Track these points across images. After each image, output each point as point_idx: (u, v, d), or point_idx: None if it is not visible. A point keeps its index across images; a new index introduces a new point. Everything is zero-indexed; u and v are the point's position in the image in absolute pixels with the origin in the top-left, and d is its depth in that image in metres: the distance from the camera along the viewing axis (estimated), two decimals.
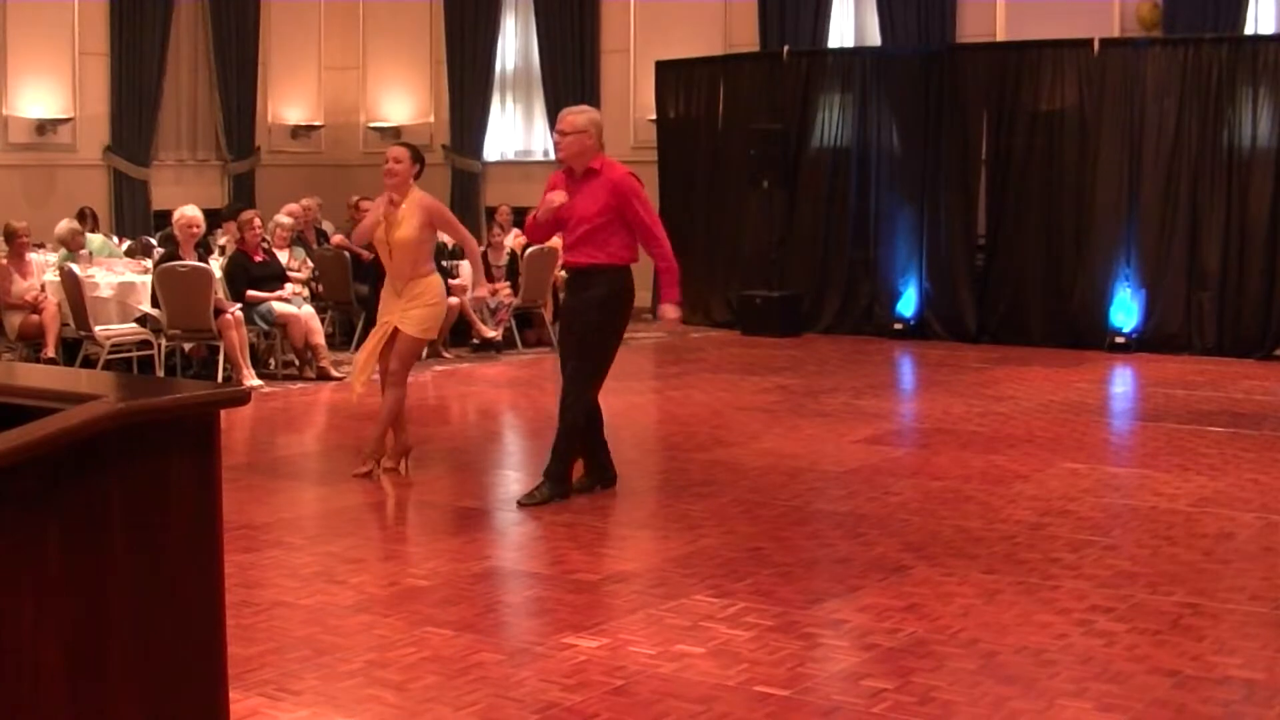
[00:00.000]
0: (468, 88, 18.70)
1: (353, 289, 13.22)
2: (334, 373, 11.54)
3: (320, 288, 13.39)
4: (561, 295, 13.97)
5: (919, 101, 14.41)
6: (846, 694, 4.52)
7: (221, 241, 13.46)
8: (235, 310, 11.13)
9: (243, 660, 4.66)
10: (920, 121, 14.41)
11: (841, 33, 16.13)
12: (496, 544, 6.68)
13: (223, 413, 2.89)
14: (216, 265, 11.69)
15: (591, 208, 7.06)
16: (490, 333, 13.20)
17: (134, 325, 11.30)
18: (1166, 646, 4.95)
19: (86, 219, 14.05)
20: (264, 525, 6.72)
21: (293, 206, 14.07)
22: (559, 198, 7.11)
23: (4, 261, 11.48)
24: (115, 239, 14.48)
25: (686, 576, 5.86)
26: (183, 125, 17.97)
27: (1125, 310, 13.33)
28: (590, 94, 17.60)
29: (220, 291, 11.26)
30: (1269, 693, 4.54)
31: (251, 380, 10.96)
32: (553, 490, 7.19)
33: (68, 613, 2.60)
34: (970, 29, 15.07)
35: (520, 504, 7.13)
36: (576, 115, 7.20)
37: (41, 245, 13.18)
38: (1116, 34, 14.10)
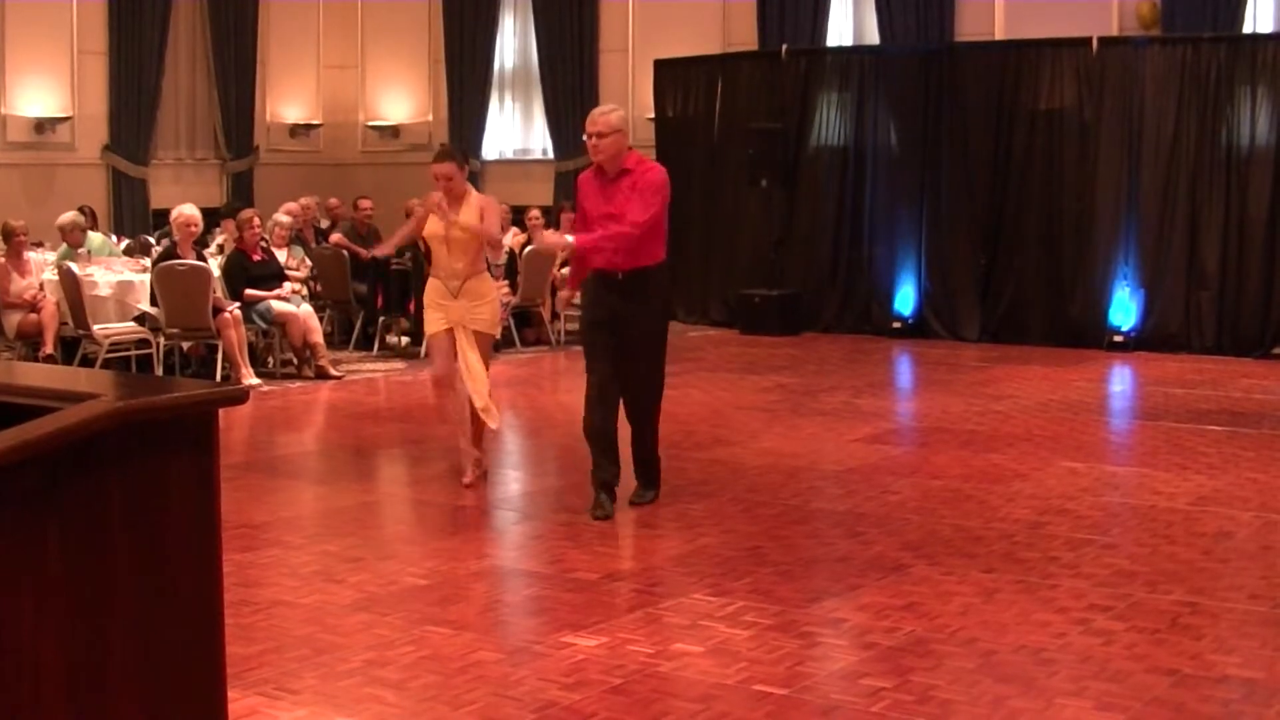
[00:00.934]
0: (466, 87, 18.70)
1: (351, 288, 13.23)
2: (332, 371, 11.54)
3: (319, 287, 13.39)
4: (560, 292, 14.03)
5: (918, 100, 14.41)
6: (845, 693, 4.52)
7: (219, 240, 13.46)
8: (234, 309, 11.13)
9: (242, 659, 4.66)
10: (919, 121, 14.41)
11: (840, 32, 16.13)
12: (495, 543, 6.68)
13: (221, 412, 2.88)
14: (215, 264, 11.68)
15: (627, 208, 6.86)
16: None
17: (132, 324, 11.30)
18: (1165, 645, 4.96)
19: (85, 217, 14.04)
20: (263, 524, 6.72)
21: (291, 205, 14.07)
22: (556, 240, 7.64)
23: (2, 260, 11.48)
24: (114, 238, 14.48)
25: (685, 575, 5.87)
26: (181, 124, 17.98)
27: (1124, 309, 13.33)
28: (589, 93, 17.62)
29: (219, 290, 11.25)
30: (1268, 691, 4.54)
31: (250, 379, 10.96)
32: (657, 491, 7.22)
33: (67, 612, 2.60)
34: (969, 28, 15.07)
35: (632, 503, 7.12)
36: (610, 114, 6.98)
37: (40, 244, 13.18)
38: (1115, 33, 14.11)
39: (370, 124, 19.60)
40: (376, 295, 13.11)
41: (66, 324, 11.29)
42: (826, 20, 16.00)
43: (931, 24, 15.20)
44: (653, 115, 16.48)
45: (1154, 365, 12.40)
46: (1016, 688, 4.54)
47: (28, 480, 2.53)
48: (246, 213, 12.12)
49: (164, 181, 17.52)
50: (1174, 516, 6.88)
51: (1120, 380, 11.99)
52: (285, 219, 13.26)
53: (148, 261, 12.19)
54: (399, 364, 12.45)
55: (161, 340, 11.26)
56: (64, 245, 12.50)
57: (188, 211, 11.45)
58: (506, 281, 13.64)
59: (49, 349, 11.09)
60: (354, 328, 13.38)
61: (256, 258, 11.80)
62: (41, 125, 16.50)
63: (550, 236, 8.20)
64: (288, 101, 19.19)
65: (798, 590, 5.64)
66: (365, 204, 14.38)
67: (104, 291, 11.29)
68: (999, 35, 14.77)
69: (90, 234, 13.19)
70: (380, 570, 5.97)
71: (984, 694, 4.48)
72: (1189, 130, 13.07)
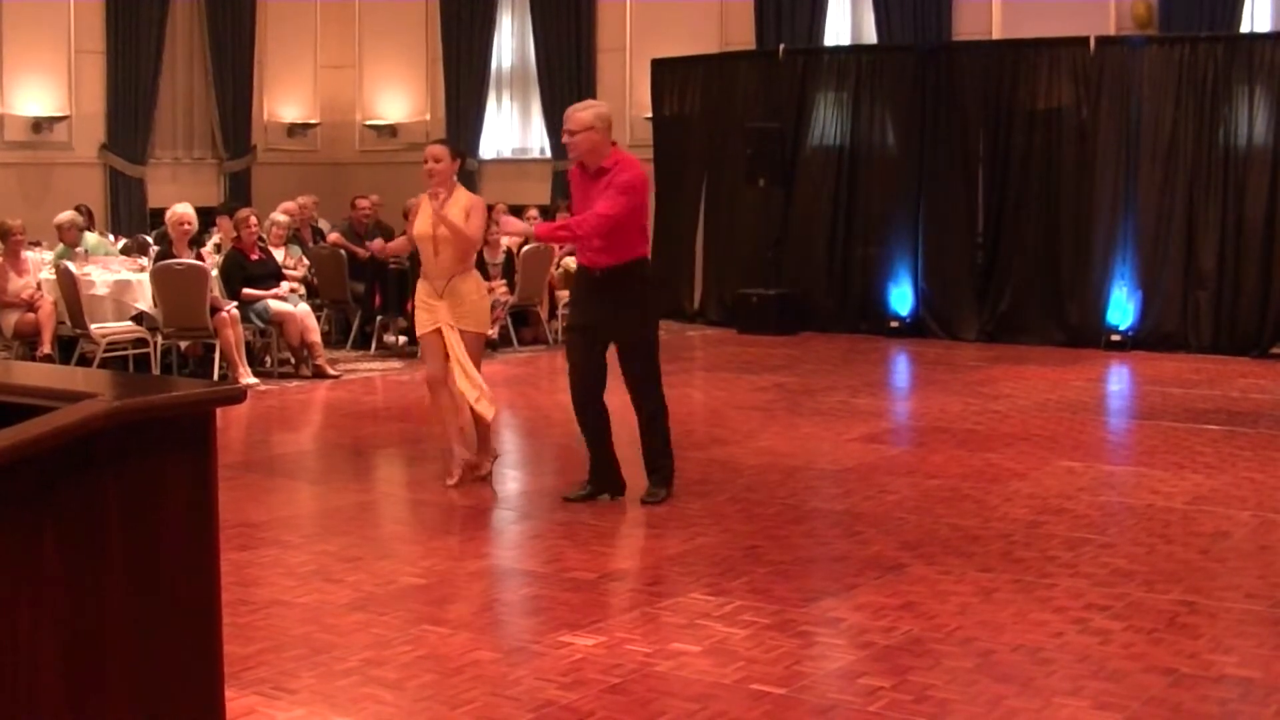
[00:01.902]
0: (464, 86, 18.70)
1: (349, 287, 13.22)
2: (330, 371, 11.53)
3: (317, 284, 13.38)
4: (557, 292, 14.05)
5: (915, 100, 14.41)
6: (843, 692, 4.52)
7: (215, 239, 13.45)
8: (231, 308, 11.12)
9: (239, 659, 4.66)
10: (916, 120, 14.41)
11: (837, 31, 16.13)
12: (493, 542, 6.68)
13: (219, 411, 2.88)
14: (212, 263, 11.68)
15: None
16: (487, 331, 13.17)
17: (130, 323, 11.29)
18: (1163, 644, 4.96)
19: (83, 217, 14.03)
20: (260, 524, 6.72)
21: (289, 205, 14.06)
22: (518, 227, 7.90)
23: (0, 259, 11.47)
24: (111, 237, 14.48)
25: (683, 575, 5.87)
26: (179, 123, 17.97)
27: (1122, 309, 13.34)
28: (586, 92, 17.58)
29: (216, 289, 11.25)
30: (1265, 690, 4.54)
31: (247, 378, 10.95)
32: (670, 489, 7.21)
33: (64, 611, 2.60)
34: (966, 27, 15.08)
35: (644, 502, 7.11)
36: (582, 112, 6.93)
37: (38, 243, 13.17)
38: (1113, 32, 14.11)
39: (368, 123, 19.60)
40: (374, 294, 13.10)
41: (64, 323, 11.28)
42: (824, 20, 16.00)
43: (929, 23, 15.20)
44: (650, 115, 16.49)
45: (1151, 365, 12.41)
46: (1014, 687, 4.54)
47: (25, 480, 2.53)
48: (243, 212, 12.11)
49: (161, 181, 17.51)
50: (1172, 516, 6.88)
51: (1118, 380, 11.99)
52: (283, 218, 13.26)
53: (145, 261, 12.19)
54: (396, 363, 12.45)
55: (159, 340, 11.25)
56: (61, 245, 12.49)
57: (181, 210, 11.45)
58: (504, 281, 13.65)
59: (46, 349, 11.08)
60: (351, 327, 13.38)
61: (254, 257, 11.79)
62: (39, 124, 16.49)
63: (512, 224, 8.21)
64: (285, 101, 19.19)
65: (795, 590, 5.64)
66: (363, 203, 14.36)
67: (101, 291, 11.28)
68: (996, 35, 14.77)
69: (87, 234, 13.18)
70: (378, 570, 5.97)
71: (981, 693, 4.48)
72: (1186, 130, 13.07)
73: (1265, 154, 12.77)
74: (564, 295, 14.01)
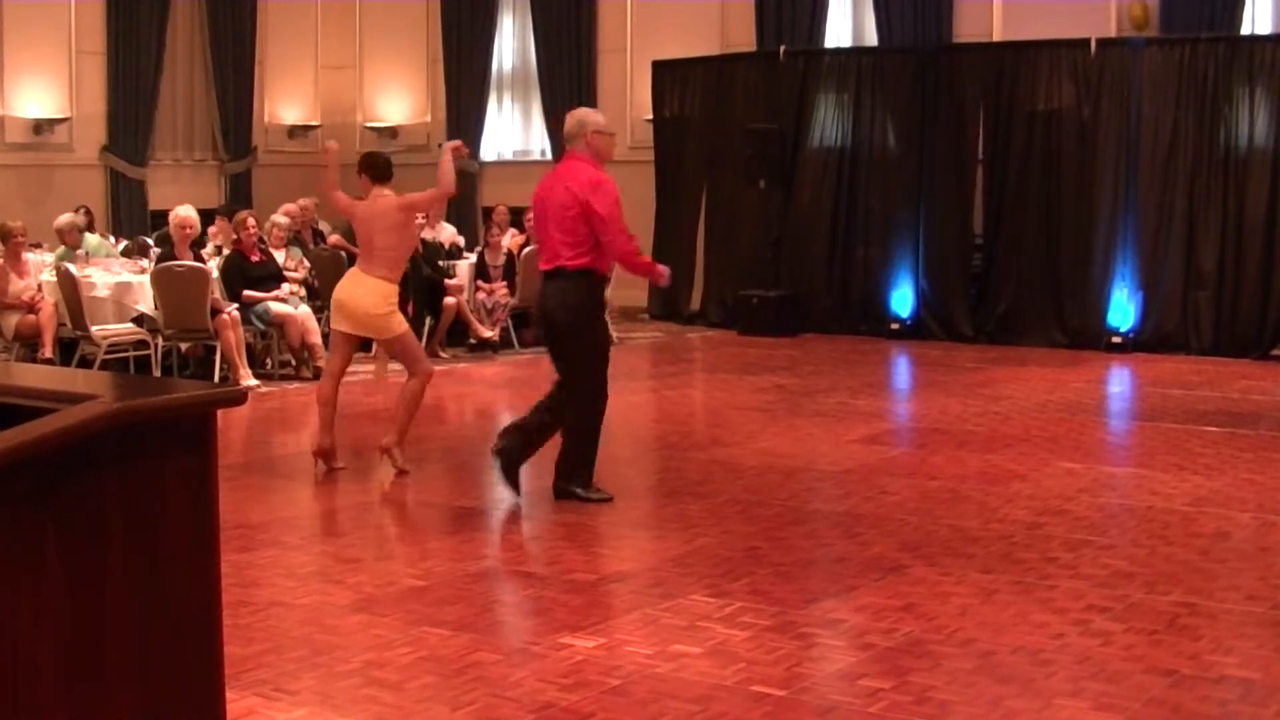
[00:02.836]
0: (465, 87, 18.70)
1: None
2: None
3: (317, 286, 13.37)
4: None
5: (915, 101, 14.42)
6: (843, 694, 4.52)
7: (215, 241, 13.44)
8: (232, 310, 11.13)
9: (239, 660, 4.66)
10: (917, 121, 14.41)
11: (838, 32, 16.13)
12: (493, 544, 6.68)
13: (219, 412, 2.88)
14: (213, 265, 11.68)
15: None
16: (487, 333, 13.19)
17: (130, 325, 11.30)
18: (1163, 646, 4.96)
19: (82, 217, 14.04)
20: (261, 525, 6.72)
21: (290, 206, 14.06)
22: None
23: (1, 261, 11.47)
24: (112, 239, 14.48)
25: (683, 576, 5.87)
26: (179, 125, 17.97)
27: (1122, 310, 13.34)
28: (587, 94, 17.61)
29: (217, 291, 11.25)
30: (1265, 692, 4.54)
31: (248, 380, 10.95)
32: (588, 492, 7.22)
33: (65, 613, 2.60)
34: (967, 29, 15.07)
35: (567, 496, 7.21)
36: (596, 115, 7.30)
37: (38, 245, 13.18)
38: (1113, 34, 14.11)
39: (368, 125, 19.59)
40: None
41: (65, 325, 11.28)
42: (824, 21, 16.00)
43: (929, 25, 15.20)
44: (650, 116, 16.49)
45: (1152, 366, 12.41)
46: (1014, 688, 4.54)
47: (26, 481, 2.53)
48: (241, 214, 12.12)
49: (162, 182, 17.51)
50: (1172, 517, 6.88)
51: (1118, 381, 11.99)
52: (283, 220, 13.26)
53: (146, 262, 12.19)
54: (396, 365, 12.41)
55: (160, 341, 11.25)
56: (62, 246, 12.49)
57: (184, 213, 11.46)
58: (505, 283, 13.65)
59: (47, 351, 11.08)
60: None
61: (255, 259, 11.80)
62: (39, 126, 16.49)
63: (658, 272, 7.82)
64: (286, 102, 19.19)
65: (795, 591, 5.64)
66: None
67: (102, 293, 11.29)
68: (997, 36, 14.77)
69: (88, 235, 13.19)
70: (378, 571, 5.97)
71: (982, 694, 4.48)
72: (1187, 131, 13.07)
73: (1266, 155, 12.77)
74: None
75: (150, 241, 13.95)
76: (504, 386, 11.52)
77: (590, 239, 6.96)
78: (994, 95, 13.99)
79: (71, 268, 11.29)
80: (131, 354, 11.43)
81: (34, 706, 2.56)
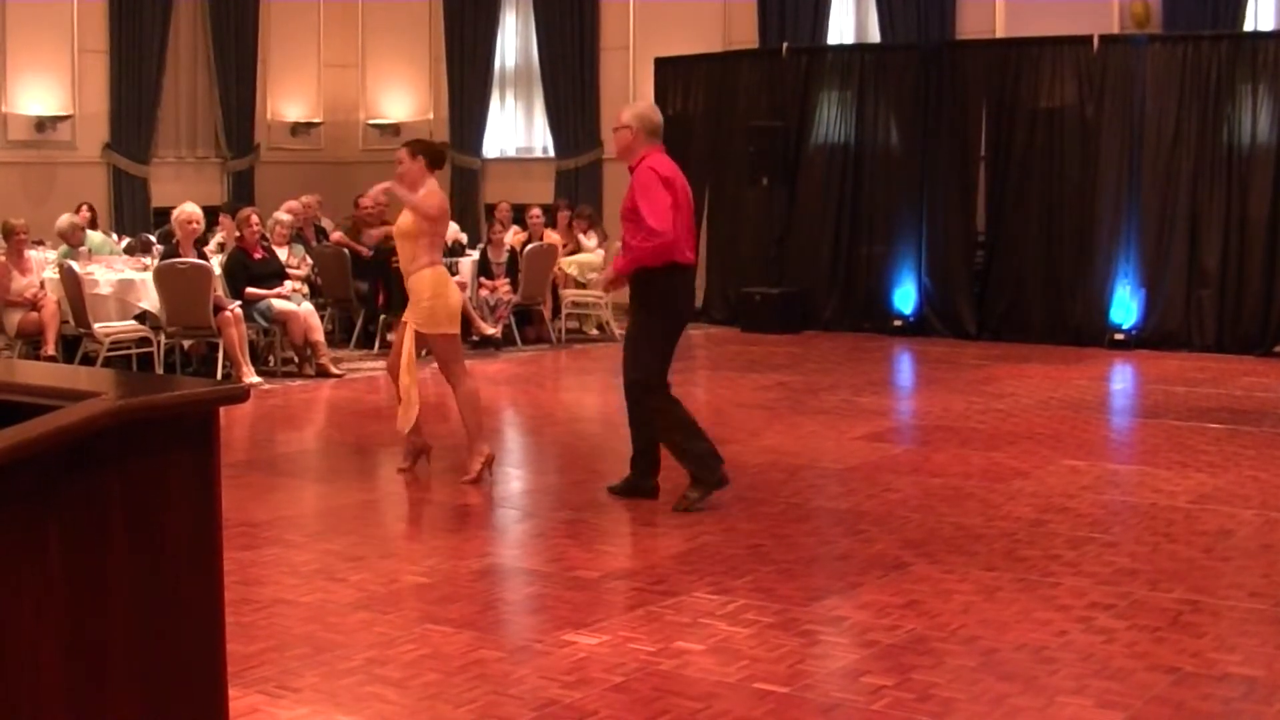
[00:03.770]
0: (467, 85, 18.69)
1: (352, 286, 13.23)
2: (333, 370, 11.54)
3: (320, 283, 13.38)
4: (561, 291, 14.08)
5: (918, 98, 14.42)
6: (846, 691, 4.52)
7: (218, 238, 13.45)
8: (235, 307, 11.13)
9: (242, 658, 4.66)
10: (920, 118, 14.41)
11: (841, 29, 16.12)
12: (496, 541, 6.67)
13: (222, 410, 2.88)
14: (215, 262, 11.68)
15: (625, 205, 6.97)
16: (490, 330, 13.19)
17: (133, 323, 11.30)
18: (1166, 643, 4.95)
19: (82, 217, 14.03)
20: (263, 523, 6.72)
21: (292, 204, 14.06)
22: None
23: (3, 259, 11.48)
24: (114, 236, 14.48)
25: (686, 574, 5.86)
26: (182, 122, 17.97)
27: (1125, 307, 13.33)
28: (590, 91, 17.62)
29: (220, 289, 11.25)
30: (1268, 689, 4.54)
31: (251, 377, 10.95)
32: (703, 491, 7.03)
33: (67, 611, 2.60)
34: (970, 25, 15.06)
35: (675, 509, 6.96)
36: (623, 110, 7.24)
37: (41, 242, 13.18)
38: (1116, 31, 14.10)
39: (371, 122, 19.60)
40: (377, 293, 13.10)
41: (67, 322, 11.28)
42: (827, 18, 15.99)
43: (932, 22, 15.18)
44: None
45: (1155, 363, 12.40)
46: (1017, 686, 4.54)
47: (28, 479, 2.53)
48: (245, 211, 12.12)
49: (165, 180, 17.51)
50: (1175, 515, 6.88)
51: (1121, 378, 11.99)
52: (286, 217, 13.26)
53: (148, 260, 12.19)
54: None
55: (162, 339, 11.25)
56: (64, 246, 12.50)
57: (189, 210, 11.45)
58: (508, 280, 13.65)
59: (50, 349, 11.07)
60: (355, 326, 13.38)
61: (257, 256, 11.80)
62: (42, 124, 16.49)
63: (609, 281, 7.60)
64: (288, 100, 19.19)
65: (799, 588, 5.64)
66: (366, 201, 14.35)
67: (105, 290, 11.28)
68: (1000, 33, 14.76)
69: (90, 232, 13.19)
70: (381, 568, 5.97)
71: (985, 692, 4.48)
72: (1190, 128, 13.07)
73: (1269, 152, 12.77)
74: (568, 294, 14.04)
75: (153, 239, 13.95)
76: (506, 383, 11.53)
77: None
78: (997, 92, 13.99)
79: (74, 265, 11.29)
80: (134, 351, 11.43)
81: (35, 705, 2.56)
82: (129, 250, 13.37)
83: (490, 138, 18.87)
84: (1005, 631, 5.08)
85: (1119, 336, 13.28)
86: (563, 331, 14.00)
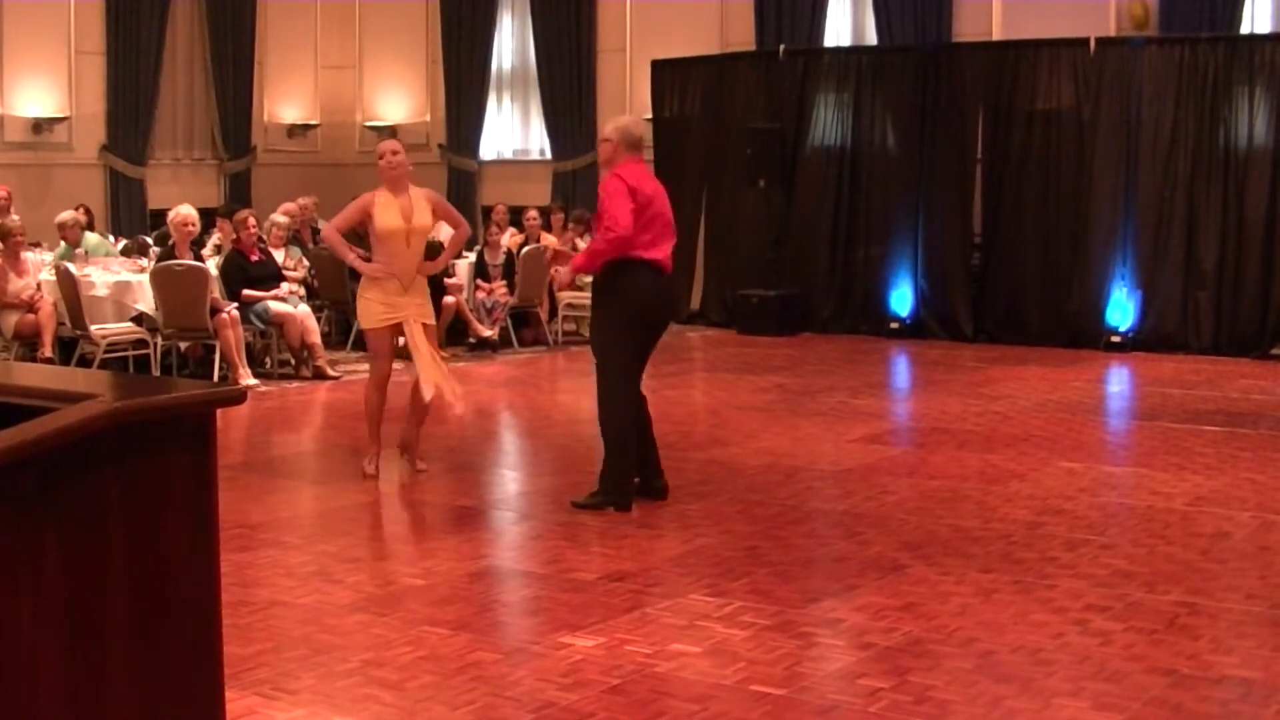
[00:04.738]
0: (464, 87, 18.69)
1: (349, 288, 13.21)
2: (330, 372, 11.54)
3: (317, 285, 13.37)
4: (558, 294, 14.07)
5: (915, 101, 14.41)
6: (843, 693, 4.52)
7: (215, 240, 13.44)
8: (231, 309, 11.12)
9: (239, 659, 4.66)
10: (916, 121, 14.41)
11: (838, 31, 16.13)
12: (493, 543, 6.67)
13: (219, 412, 2.88)
14: (212, 264, 11.68)
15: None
16: (486, 332, 13.20)
17: (130, 324, 11.29)
18: (1163, 645, 4.96)
19: (83, 216, 14.02)
20: (260, 524, 6.72)
21: (289, 205, 14.05)
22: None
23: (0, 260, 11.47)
24: (111, 238, 14.47)
25: (683, 576, 5.87)
26: (179, 124, 17.97)
27: (1122, 309, 13.34)
28: (587, 94, 17.62)
29: (216, 291, 11.25)
30: (1265, 691, 4.54)
31: (248, 379, 10.95)
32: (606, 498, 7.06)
33: (65, 612, 2.60)
34: (967, 28, 15.07)
35: (573, 504, 7.05)
36: (607, 123, 7.42)
37: (38, 244, 13.17)
38: (1113, 33, 14.11)
39: (368, 124, 19.59)
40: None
41: (64, 324, 11.27)
42: (824, 20, 15.99)
43: (929, 24, 15.19)
44: (650, 115, 16.47)
45: (1151, 365, 12.41)
46: (1014, 688, 4.54)
47: (25, 481, 2.53)
48: (242, 213, 12.12)
49: (162, 182, 17.50)
50: (1172, 517, 6.88)
51: (1118, 380, 11.99)
52: (283, 219, 13.25)
53: (145, 262, 12.18)
54: (396, 364, 12.41)
55: (159, 340, 11.25)
56: (62, 245, 12.49)
57: (185, 212, 11.45)
58: (504, 282, 13.65)
59: (47, 351, 11.06)
60: (351, 328, 13.36)
61: (254, 258, 11.80)
62: (39, 125, 16.49)
63: (563, 276, 7.74)
64: (285, 102, 19.19)
65: (795, 590, 5.64)
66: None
67: (101, 292, 11.28)
68: (997, 35, 14.76)
69: (87, 234, 13.18)
70: (378, 570, 5.97)
71: (982, 694, 4.48)
72: (1187, 130, 13.07)
73: (1265, 154, 12.78)
74: (565, 296, 14.03)
75: (150, 241, 13.94)
76: (503, 385, 11.52)
77: None
78: (994, 94, 13.99)
79: (71, 267, 11.28)
80: (131, 353, 11.42)
81: (34, 706, 2.56)
82: (126, 252, 13.35)
83: (487, 140, 18.87)
84: (1002, 633, 5.08)
85: (1116, 338, 13.28)
86: (560, 333, 14.00)
